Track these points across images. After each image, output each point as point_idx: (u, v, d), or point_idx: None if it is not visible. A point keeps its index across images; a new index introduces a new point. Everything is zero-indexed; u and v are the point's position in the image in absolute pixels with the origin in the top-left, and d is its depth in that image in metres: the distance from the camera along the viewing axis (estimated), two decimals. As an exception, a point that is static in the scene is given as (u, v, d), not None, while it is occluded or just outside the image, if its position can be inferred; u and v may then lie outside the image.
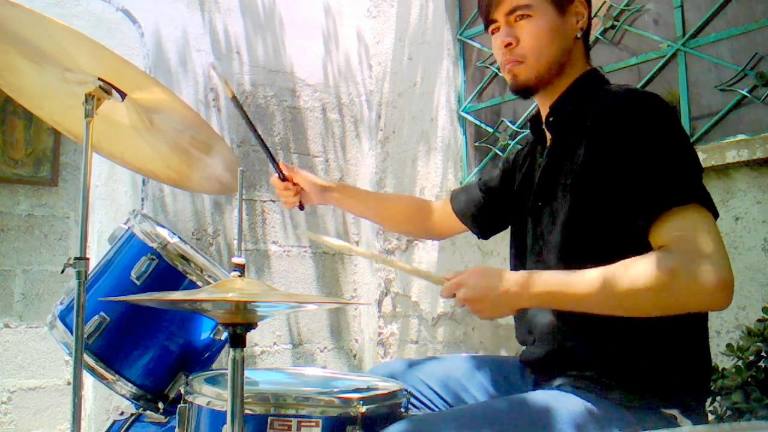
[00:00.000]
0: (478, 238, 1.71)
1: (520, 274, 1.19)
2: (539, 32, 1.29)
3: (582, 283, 1.12)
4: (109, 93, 1.42)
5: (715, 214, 1.13)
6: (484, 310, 1.20)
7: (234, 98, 1.59)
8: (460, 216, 1.69)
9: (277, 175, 1.74)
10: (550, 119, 1.34)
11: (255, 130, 1.66)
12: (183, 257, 1.53)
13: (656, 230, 1.12)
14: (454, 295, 1.22)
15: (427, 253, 3.48)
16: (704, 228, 1.09)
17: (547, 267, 1.29)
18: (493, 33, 1.37)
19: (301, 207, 1.79)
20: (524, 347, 1.39)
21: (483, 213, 1.64)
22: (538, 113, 1.43)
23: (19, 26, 1.32)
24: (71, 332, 1.49)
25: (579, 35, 1.33)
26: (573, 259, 1.23)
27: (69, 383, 3.25)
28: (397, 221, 1.81)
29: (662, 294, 1.07)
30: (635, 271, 1.08)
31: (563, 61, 1.32)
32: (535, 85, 1.33)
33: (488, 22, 1.36)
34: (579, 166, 1.23)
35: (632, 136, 1.16)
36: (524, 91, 1.35)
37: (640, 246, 1.15)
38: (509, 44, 1.31)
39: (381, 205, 1.78)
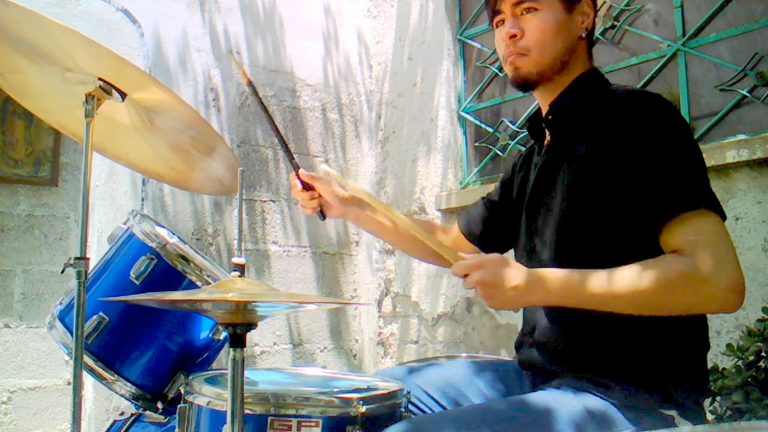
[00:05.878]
0: None
1: (539, 271, 1.17)
2: (545, 26, 1.29)
3: (600, 281, 1.12)
4: (109, 93, 1.42)
5: (723, 216, 1.14)
6: (494, 297, 1.16)
7: (250, 83, 1.54)
8: (466, 235, 1.65)
9: (294, 173, 1.64)
10: (549, 117, 1.34)
11: (273, 123, 1.61)
12: (182, 257, 1.53)
13: (667, 235, 1.12)
14: (465, 276, 1.17)
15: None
16: (714, 232, 1.11)
17: (540, 264, 1.28)
18: (497, 26, 1.35)
19: (323, 216, 1.67)
20: (521, 350, 1.39)
21: (489, 228, 1.61)
22: (537, 112, 1.42)
23: (18, 27, 1.32)
24: (70, 332, 1.49)
25: (583, 35, 1.33)
26: (566, 257, 1.24)
27: (69, 383, 3.25)
28: (411, 245, 1.73)
29: (673, 296, 1.09)
30: (651, 272, 1.09)
31: (566, 58, 1.31)
32: (536, 80, 1.32)
33: (494, 13, 1.34)
34: (580, 164, 1.22)
35: (639, 138, 1.16)
36: (524, 85, 1.33)
37: (637, 247, 1.15)
38: (514, 36, 1.30)
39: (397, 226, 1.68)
